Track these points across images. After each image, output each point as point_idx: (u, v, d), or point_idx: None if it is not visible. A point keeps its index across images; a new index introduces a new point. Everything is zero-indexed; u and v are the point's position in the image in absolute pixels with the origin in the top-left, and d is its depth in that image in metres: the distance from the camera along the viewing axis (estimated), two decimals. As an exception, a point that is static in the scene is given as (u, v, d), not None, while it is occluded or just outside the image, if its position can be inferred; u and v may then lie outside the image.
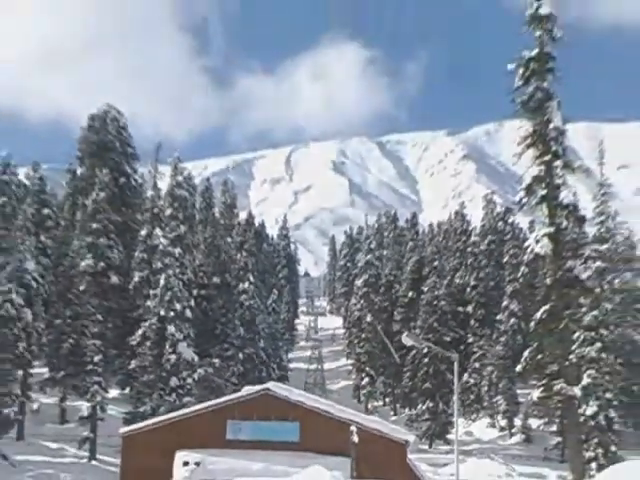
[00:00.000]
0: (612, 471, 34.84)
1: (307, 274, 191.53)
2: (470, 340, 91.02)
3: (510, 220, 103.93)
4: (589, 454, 54.24)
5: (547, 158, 48.84)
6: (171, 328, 64.25)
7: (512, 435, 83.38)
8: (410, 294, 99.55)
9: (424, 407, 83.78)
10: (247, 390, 54.73)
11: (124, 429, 53.90)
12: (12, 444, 62.06)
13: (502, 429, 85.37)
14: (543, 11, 48.99)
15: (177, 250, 69.06)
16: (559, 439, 67.87)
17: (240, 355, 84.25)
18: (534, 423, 77.55)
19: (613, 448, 55.72)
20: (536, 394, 50.97)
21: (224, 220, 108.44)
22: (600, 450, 54.98)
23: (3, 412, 63.17)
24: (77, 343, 71.01)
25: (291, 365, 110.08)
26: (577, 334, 52.46)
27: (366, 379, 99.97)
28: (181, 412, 53.80)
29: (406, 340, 34.25)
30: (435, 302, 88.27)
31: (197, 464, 46.07)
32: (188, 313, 66.41)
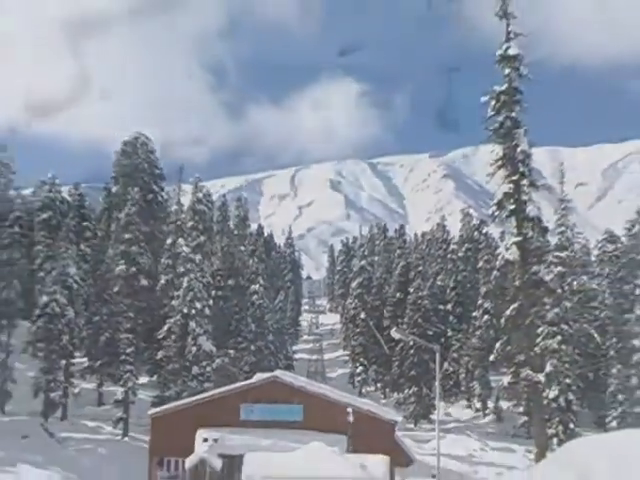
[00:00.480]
0: (570, 445, 34.88)
1: (309, 277, 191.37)
2: (449, 334, 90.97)
3: (484, 231, 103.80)
4: (551, 431, 54.29)
5: (515, 177, 48.99)
6: (192, 324, 64.32)
7: (486, 415, 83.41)
8: (398, 294, 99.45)
9: (410, 392, 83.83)
10: (258, 377, 54.78)
11: (152, 410, 54.00)
12: (57, 423, 62.21)
13: (477, 410, 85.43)
14: (511, 52, 49.21)
15: (197, 257, 69.11)
16: (526, 418, 67.87)
17: (252, 347, 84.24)
18: (504, 405, 77.70)
19: (571, 426, 55.81)
20: (506, 380, 51.05)
21: (238, 231, 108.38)
22: (560, 428, 55.05)
23: (50, 396, 63.35)
24: (112, 337, 71.09)
25: (296, 356, 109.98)
26: (541, 329, 52.56)
27: (360, 368, 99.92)
28: (201, 396, 53.87)
29: (395, 334, 34.32)
30: (419, 301, 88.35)
31: (215, 440, 46.12)
32: (207, 311, 66.47)
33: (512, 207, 49.01)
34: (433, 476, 34.56)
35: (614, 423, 67.04)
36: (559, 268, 63.16)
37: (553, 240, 62.56)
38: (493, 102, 49.54)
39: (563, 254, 67.23)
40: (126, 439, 62.08)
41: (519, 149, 49.09)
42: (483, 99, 49.92)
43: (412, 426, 78.50)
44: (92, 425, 64.47)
